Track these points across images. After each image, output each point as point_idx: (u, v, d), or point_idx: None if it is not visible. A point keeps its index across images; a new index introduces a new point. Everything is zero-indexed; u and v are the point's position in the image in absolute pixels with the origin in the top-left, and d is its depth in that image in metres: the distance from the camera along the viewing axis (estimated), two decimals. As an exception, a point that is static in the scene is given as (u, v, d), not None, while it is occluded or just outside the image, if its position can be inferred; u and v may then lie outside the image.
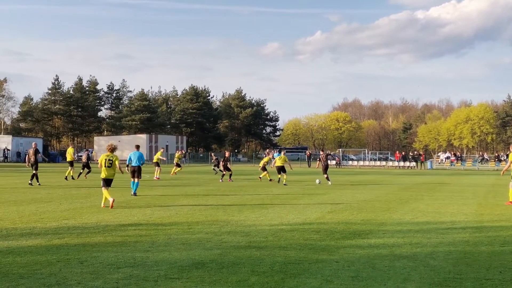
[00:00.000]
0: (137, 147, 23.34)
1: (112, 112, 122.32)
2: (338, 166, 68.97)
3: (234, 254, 9.33)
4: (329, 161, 31.26)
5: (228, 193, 22.56)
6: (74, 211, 15.62)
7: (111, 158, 17.18)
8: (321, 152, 34.32)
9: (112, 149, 17.37)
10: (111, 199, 16.43)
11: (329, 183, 29.35)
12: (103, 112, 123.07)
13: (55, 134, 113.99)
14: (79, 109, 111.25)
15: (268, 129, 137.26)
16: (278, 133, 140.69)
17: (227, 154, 34.67)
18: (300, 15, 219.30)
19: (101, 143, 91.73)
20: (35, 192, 22.24)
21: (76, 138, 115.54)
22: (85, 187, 25.63)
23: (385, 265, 8.55)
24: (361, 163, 74.22)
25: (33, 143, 29.31)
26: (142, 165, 21.93)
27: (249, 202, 18.51)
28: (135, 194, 20.85)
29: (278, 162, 30.33)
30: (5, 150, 73.80)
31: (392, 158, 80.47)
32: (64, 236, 11.07)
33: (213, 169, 44.67)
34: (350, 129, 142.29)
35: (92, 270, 8.04)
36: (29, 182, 26.33)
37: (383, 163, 73.63)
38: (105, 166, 17.04)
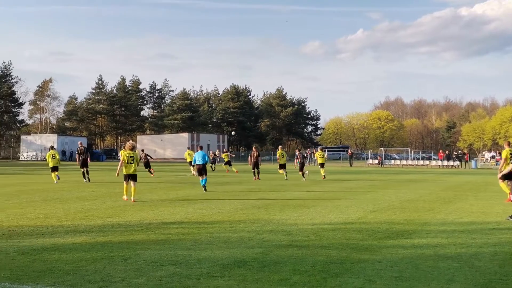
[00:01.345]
0: (201, 147, 24.60)
1: (154, 111, 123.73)
2: (380, 166, 68.35)
3: (275, 253, 9.32)
4: (305, 160, 33.86)
5: (270, 192, 22.56)
6: (118, 209, 15.84)
7: (132, 155, 18.48)
8: (297, 152, 35.28)
9: (133, 148, 18.82)
10: (125, 197, 18.21)
11: (304, 179, 31.49)
12: (146, 111, 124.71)
13: (99, 133, 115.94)
14: (122, 108, 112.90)
15: (309, 128, 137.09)
16: (319, 132, 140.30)
17: (255, 150, 35.03)
18: (341, 13, 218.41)
19: (144, 142, 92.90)
20: (80, 190, 22.64)
21: (119, 137, 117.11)
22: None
23: (429, 266, 8.43)
24: (404, 162, 73.34)
25: (79, 142, 30.92)
26: (206, 163, 23.12)
27: (291, 201, 18.48)
28: (205, 188, 22.33)
29: (282, 159, 33.27)
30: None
31: (435, 157, 79.36)
32: (108, 234, 11.23)
33: (211, 167, 44.49)
34: (392, 128, 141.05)
35: (135, 267, 8.14)
36: (87, 179, 28.85)
37: (426, 162, 72.62)
38: (127, 163, 18.30)
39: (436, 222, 13.59)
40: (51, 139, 79.43)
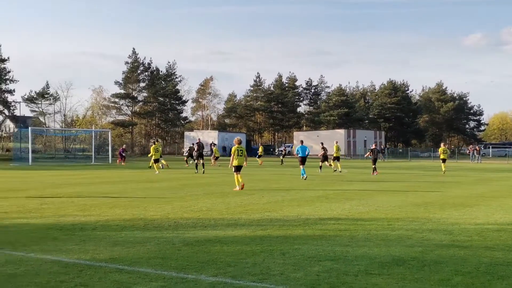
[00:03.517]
0: (302, 142, 29.79)
1: (310, 107, 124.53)
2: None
3: (436, 252, 9.05)
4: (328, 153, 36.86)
5: (429, 190, 21.91)
6: (276, 204, 16.15)
7: (241, 149, 21.34)
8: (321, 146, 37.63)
9: (240, 142, 21.52)
10: (239, 186, 20.54)
11: (319, 171, 35.13)
12: (302, 108, 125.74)
13: (257, 129, 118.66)
14: (279, 105, 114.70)
15: (472, 124, 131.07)
16: (482, 127, 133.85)
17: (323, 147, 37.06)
18: (505, 2, 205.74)
19: (300, 138, 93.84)
20: (239, 185, 23.36)
21: (276, 133, 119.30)
22: (287, 181, 26.41)
23: None
24: None
25: (198, 138, 38.76)
26: (307, 155, 27.88)
27: (451, 200, 17.82)
28: (305, 177, 26.48)
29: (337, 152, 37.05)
30: (212, 144, 78.36)
31: None
32: (267, 228, 11.49)
33: (185, 160, 43.56)
34: None
35: (293, 261, 8.26)
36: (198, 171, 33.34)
37: None
38: (237, 156, 21.00)
39: None
40: (212, 135, 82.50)
